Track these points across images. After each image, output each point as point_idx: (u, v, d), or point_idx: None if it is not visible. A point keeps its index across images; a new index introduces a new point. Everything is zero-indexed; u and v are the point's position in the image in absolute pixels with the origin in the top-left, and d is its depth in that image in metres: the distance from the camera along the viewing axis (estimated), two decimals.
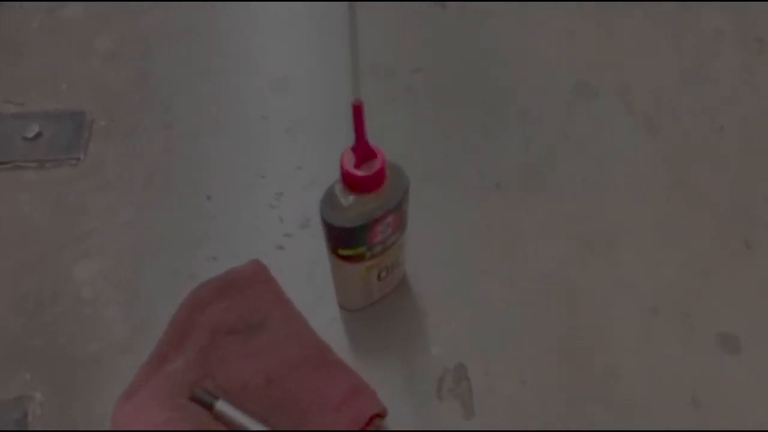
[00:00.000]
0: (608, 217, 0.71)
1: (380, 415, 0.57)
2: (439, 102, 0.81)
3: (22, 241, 0.70)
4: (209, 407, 0.57)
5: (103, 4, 0.90)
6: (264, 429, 0.56)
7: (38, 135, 0.77)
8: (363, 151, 0.50)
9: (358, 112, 0.47)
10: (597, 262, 0.68)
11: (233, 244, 0.69)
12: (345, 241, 0.54)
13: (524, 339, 0.64)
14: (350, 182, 0.51)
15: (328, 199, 0.53)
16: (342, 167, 0.50)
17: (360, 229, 0.53)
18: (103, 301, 0.66)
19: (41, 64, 0.85)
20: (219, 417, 0.56)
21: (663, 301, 0.65)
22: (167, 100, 0.81)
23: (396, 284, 0.65)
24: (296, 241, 0.70)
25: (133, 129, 0.78)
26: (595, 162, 0.75)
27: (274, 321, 0.61)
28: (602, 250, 0.69)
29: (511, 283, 0.67)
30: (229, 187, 0.74)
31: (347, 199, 0.52)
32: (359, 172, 0.50)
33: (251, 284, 0.64)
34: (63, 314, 0.65)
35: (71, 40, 0.87)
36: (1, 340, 0.64)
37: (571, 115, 0.79)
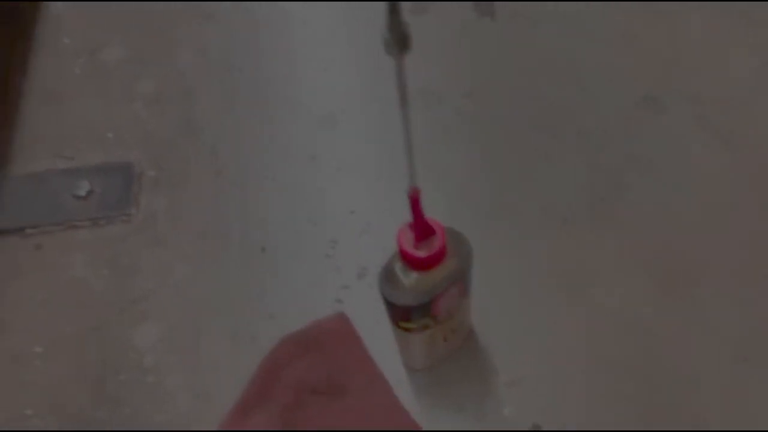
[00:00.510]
0: (688, 249, 0.66)
1: None
2: (493, 127, 0.76)
3: (81, 306, 0.69)
4: None
5: (141, 44, 0.88)
6: None
7: (90, 192, 0.76)
8: (422, 228, 0.47)
9: (415, 201, 0.43)
10: (677, 302, 0.63)
11: (291, 299, 0.67)
12: (408, 317, 0.52)
13: (601, 394, 0.60)
14: (410, 262, 0.48)
15: (388, 277, 0.50)
16: (400, 248, 0.47)
17: (423, 306, 0.50)
18: (164, 369, 0.65)
19: (86, 112, 0.84)
20: None
21: (754, 345, 0.60)
22: (213, 144, 0.79)
23: (463, 340, 0.62)
24: (355, 293, 0.67)
25: (182, 178, 0.77)
26: (669, 186, 0.70)
27: (359, 384, 0.59)
28: (683, 288, 0.64)
29: (583, 330, 0.63)
30: (282, 237, 0.72)
31: (408, 277, 0.49)
32: (420, 253, 0.47)
33: (335, 341, 0.62)
34: (126, 383, 0.65)
35: (113, 85, 0.85)
36: (66, 411, 0.64)
37: (638, 133, 0.74)
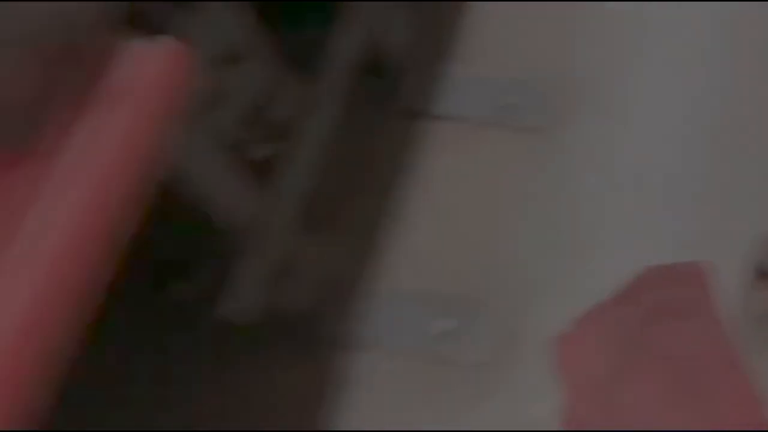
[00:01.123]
0: None
1: None
2: None
3: (490, 191, 0.95)
4: None
5: None
6: None
7: (514, 104, 0.99)
8: None
9: None
10: None
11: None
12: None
13: None
14: None
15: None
16: None
17: None
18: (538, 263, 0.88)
19: (536, 33, 1.05)
20: None
21: None
22: (618, 91, 0.97)
23: None
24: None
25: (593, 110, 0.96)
26: None
27: (706, 324, 0.75)
28: None
29: None
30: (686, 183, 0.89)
31: None
32: None
33: (693, 283, 0.78)
34: (508, 274, 0.88)
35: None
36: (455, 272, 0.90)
37: None
